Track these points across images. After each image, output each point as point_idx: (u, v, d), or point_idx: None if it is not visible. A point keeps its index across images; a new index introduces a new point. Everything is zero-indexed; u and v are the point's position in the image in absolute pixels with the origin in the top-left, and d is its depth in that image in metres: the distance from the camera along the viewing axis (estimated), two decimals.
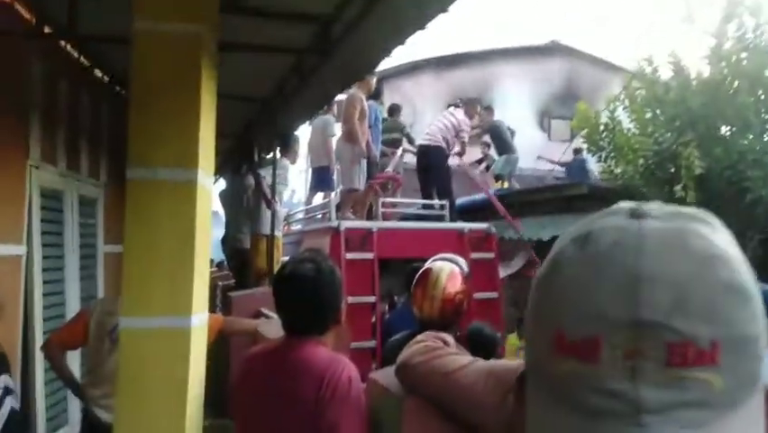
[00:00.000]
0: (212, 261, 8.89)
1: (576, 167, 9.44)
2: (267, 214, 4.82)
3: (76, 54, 3.67)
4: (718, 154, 5.55)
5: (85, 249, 3.93)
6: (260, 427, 1.50)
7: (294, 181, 12.22)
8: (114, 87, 4.27)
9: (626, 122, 6.85)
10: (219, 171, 6.26)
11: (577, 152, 9.46)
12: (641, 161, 6.26)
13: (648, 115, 6.48)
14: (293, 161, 5.44)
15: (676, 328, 0.39)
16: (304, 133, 6.97)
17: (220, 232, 5.60)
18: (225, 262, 6.38)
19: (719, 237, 0.44)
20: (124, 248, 1.85)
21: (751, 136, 5.76)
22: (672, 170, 5.92)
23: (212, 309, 5.35)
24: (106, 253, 4.32)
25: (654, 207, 0.46)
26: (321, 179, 6.73)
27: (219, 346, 2.83)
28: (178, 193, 1.87)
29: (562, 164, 9.74)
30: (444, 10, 2.11)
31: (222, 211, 5.69)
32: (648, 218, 0.44)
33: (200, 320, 1.99)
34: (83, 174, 3.93)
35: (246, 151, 5.17)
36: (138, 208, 1.86)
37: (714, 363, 0.39)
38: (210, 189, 2.17)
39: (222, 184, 6.09)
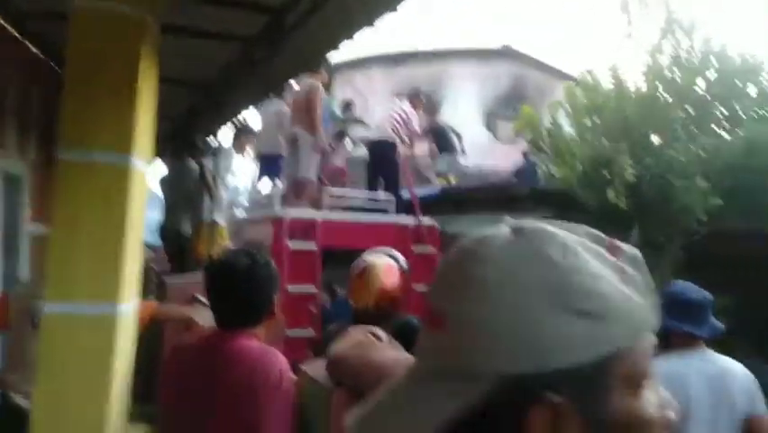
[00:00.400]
0: (149, 245, 8.60)
1: (528, 170, 9.66)
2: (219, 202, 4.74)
3: (10, 29, 3.47)
4: (649, 163, 5.87)
5: (8, 228, 3.75)
6: (186, 418, 1.48)
7: (245, 169, 11.97)
8: (50, 63, 4.07)
9: (567, 127, 7.12)
10: (160, 155, 6.07)
11: (526, 154, 9.71)
12: (579, 165, 6.52)
13: (587, 123, 6.76)
14: (242, 152, 5.33)
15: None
16: (256, 122, 6.85)
17: (157, 215, 5.43)
18: (163, 248, 6.20)
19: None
20: (51, 230, 1.79)
21: (679, 148, 6.13)
22: (607, 175, 6.21)
23: (147, 295, 5.22)
24: (33, 234, 4.12)
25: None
26: (271, 167, 6.64)
27: (152, 332, 2.76)
28: (112, 177, 1.82)
29: (515, 172, 9.89)
30: (393, 9, 2.14)
31: (162, 195, 5.51)
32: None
33: (130, 308, 1.94)
34: (9, 151, 3.74)
35: (189, 136, 5.04)
36: (68, 190, 1.80)
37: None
38: (146, 174, 2.12)
39: (163, 168, 5.91)
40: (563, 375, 0.44)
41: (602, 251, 0.49)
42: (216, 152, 4.58)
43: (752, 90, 6.30)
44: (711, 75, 6.29)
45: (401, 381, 0.50)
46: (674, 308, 2.24)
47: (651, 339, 0.48)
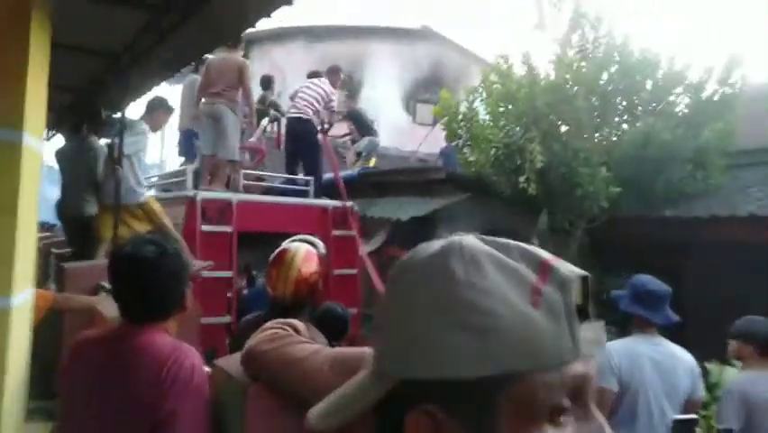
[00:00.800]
0: (44, 224, 7.92)
1: (452, 154, 9.81)
2: (124, 181, 4.39)
3: None
4: (557, 151, 6.18)
5: None
6: (89, 416, 1.39)
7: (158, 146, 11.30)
8: None
9: (483, 113, 7.33)
10: (56, 127, 5.58)
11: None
12: (492, 151, 6.75)
13: (501, 109, 6.99)
14: (155, 129, 5.00)
15: None
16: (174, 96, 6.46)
17: (56, 191, 5.00)
18: (62, 228, 5.73)
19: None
20: None
21: (585, 136, 6.50)
22: (519, 162, 6.47)
23: (45, 281, 4.81)
24: None
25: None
26: (191, 144, 6.33)
27: (50, 323, 2.56)
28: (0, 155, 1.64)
29: (441, 155, 10.00)
30: None
31: (60, 171, 5.06)
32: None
33: (23, 299, 1.78)
34: None
35: (89, 109, 4.66)
36: None
37: None
38: (40, 152, 1.94)
39: (61, 141, 5.43)
40: (444, 387, 0.46)
41: (523, 271, 0.48)
42: (124, 128, 4.25)
43: (648, 84, 6.77)
44: (613, 68, 6.70)
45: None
46: (635, 296, 2.57)
47: (567, 372, 0.46)
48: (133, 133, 4.53)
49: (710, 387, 3.90)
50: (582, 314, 0.48)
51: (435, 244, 0.51)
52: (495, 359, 0.44)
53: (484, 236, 0.52)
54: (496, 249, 0.50)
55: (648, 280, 2.62)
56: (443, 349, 0.45)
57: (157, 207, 4.65)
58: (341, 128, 9.21)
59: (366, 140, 8.86)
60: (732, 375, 3.54)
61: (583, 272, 0.50)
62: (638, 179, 6.30)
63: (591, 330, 0.48)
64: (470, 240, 0.51)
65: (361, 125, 8.89)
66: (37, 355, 2.00)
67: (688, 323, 2.98)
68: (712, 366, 4.23)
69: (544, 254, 0.50)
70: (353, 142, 9.56)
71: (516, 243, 0.51)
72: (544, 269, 0.48)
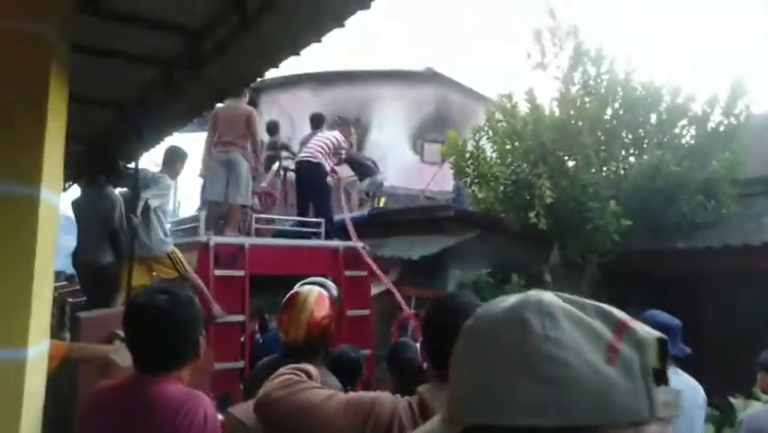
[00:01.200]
0: (60, 273, 8.00)
1: (464, 188, 9.86)
2: (151, 231, 4.50)
3: None
4: (565, 186, 6.20)
5: None
6: None
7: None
8: None
9: (489, 151, 7.40)
10: (72, 178, 5.71)
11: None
12: (501, 188, 6.79)
13: (508, 147, 7.06)
14: (173, 177, 5.12)
15: None
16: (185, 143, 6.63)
17: (72, 241, 5.08)
18: (77, 277, 5.79)
19: None
20: None
21: (592, 171, 6.52)
22: (527, 197, 6.49)
23: (59, 329, 4.83)
24: None
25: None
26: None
27: (65, 373, 2.57)
28: (16, 211, 1.69)
29: (454, 188, 10.05)
30: (318, 40, 2.15)
31: (75, 220, 5.15)
32: None
33: (38, 351, 1.80)
34: None
35: (105, 159, 4.78)
36: None
37: None
38: (56, 206, 1.99)
39: (77, 191, 5.54)
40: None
41: (598, 328, 0.49)
42: (143, 179, 4.39)
43: (653, 118, 6.83)
44: (617, 103, 6.78)
45: None
46: None
47: (644, 431, 0.46)
48: (161, 189, 4.66)
49: (737, 425, 3.78)
50: (660, 377, 0.48)
51: (512, 297, 0.53)
52: (567, 410, 0.45)
53: (560, 293, 0.53)
54: (571, 305, 0.51)
55: (659, 314, 2.66)
56: (516, 397, 0.46)
57: (181, 255, 4.74)
58: (347, 169, 9.32)
59: (366, 181, 8.94)
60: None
61: (661, 335, 0.50)
62: (648, 211, 6.28)
63: (668, 394, 0.49)
64: (547, 295, 0.52)
65: (360, 168, 8.96)
66: (52, 406, 1.99)
67: (705, 355, 2.94)
68: (737, 401, 4.11)
69: (621, 314, 0.51)
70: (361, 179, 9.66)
71: (592, 302, 0.52)
72: (620, 328, 0.49)
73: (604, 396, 0.45)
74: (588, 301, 0.52)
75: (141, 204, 4.37)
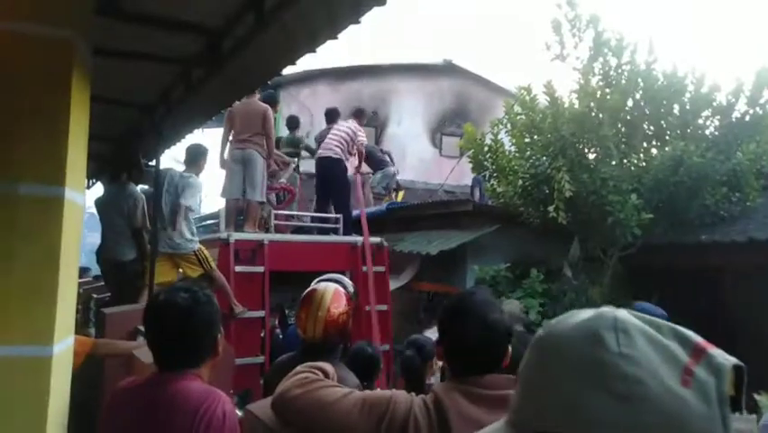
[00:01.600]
0: (87, 270, 8.18)
1: (483, 181, 9.80)
2: (179, 229, 4.59)
3: None
4: (585, 179, 6.11)
5: None
6: None
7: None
8: None
9: (508, 144, 7.34)
10: (95, 176, 5.82)
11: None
12: (519, 182, 6.72)
13: (526, 140, 6.98)
14: (198, 174, 5.21)
15: None
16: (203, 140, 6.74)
17: (96, 237, 5.20)
18: (101, 274, 5.92)
19: None
20: None
21: (613, 164, 6.42)
22: (547, 191, 6.42)
23: (84, 324, 4.95)
24: None
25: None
26: None
27: (90, 368, 2.63)
28: (42, 211, 1.73)
29: (474, 180, 9.99)
30: (334, 36, 2.16)
31: (99, 218, 5.27)
32: None
33: (64, 348, 1.85)
34: None
35: (128, 158, 4.87)
36: None
37: None
38: (81, 206, 2.03)
39: (100, 189, 5.66)
40: None
41: (674, 349, 0.48)
42: (173, 181, 4.51)
43: (676, 108, 6.68)
44: (638, 94, 6.64)
45: None
46: None
47: None
48: (194, 191, 4.76)
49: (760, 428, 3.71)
50: (735, 405, 0.48)
51: (587, 312, 0.53)
52: (638, 427, 0.45)
53: (635, 312, 0.53)
54: (646, 325, 0.51)
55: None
56: (588, 411, 0.46)
57: (207, 253, 4.81)
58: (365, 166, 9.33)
59: (378, 175, 8.94)
60: None
61: (738, 362, 0.50)
62: (671, 204, 6.17)
63: (744, 423, 0.50)
64: (623, 312, 0.52)
65: (372, 161, 8.96)
66: (77, 401, 2.04)
67: (728, 351, 2.88)
68: (762, 398, 4.03)
69: (698, 338, 0.50)
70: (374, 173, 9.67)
71: (669, 323, 0.52)
72: (697, 351, 0.49)
73: (679, 417, 0.45)
74: (664, 322, 0.52)
75: (181, 211, 4.50)
